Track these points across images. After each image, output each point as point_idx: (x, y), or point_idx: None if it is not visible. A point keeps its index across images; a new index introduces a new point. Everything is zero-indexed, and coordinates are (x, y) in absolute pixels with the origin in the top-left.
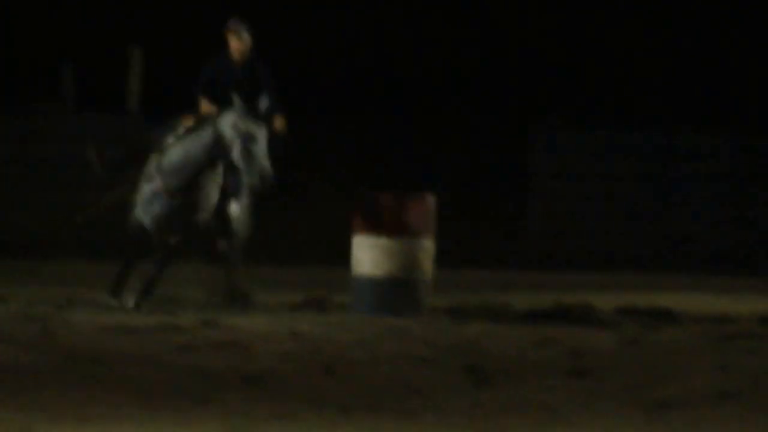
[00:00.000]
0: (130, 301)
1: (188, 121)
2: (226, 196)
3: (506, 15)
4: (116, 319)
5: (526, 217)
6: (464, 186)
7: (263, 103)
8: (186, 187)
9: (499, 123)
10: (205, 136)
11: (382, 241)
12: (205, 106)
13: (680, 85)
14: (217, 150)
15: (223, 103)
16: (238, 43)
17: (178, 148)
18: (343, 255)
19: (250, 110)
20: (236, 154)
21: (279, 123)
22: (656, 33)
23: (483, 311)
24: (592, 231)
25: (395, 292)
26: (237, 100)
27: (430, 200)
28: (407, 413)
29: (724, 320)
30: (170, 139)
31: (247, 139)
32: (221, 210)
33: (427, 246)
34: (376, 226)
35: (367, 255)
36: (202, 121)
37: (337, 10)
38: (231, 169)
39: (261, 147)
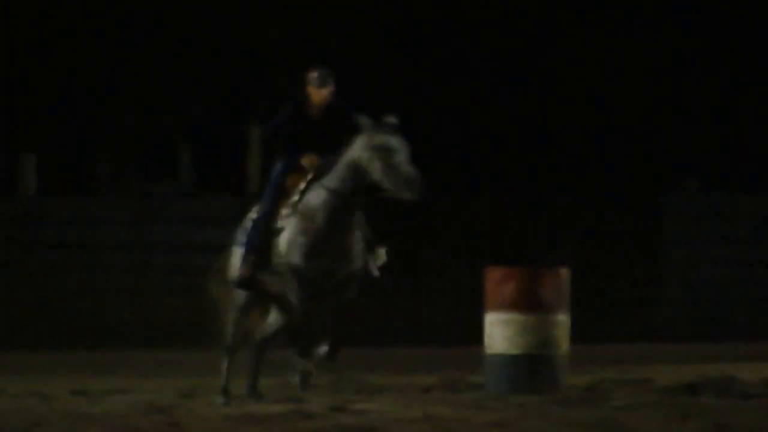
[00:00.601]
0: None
1: (301, 178)
2: None
3: (632, 85)
4: (241, 408)
5: (661, 285)
6: (595, 255)
7: (392, 119)
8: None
9: (629, 190)
10: (335, 175)
11: (516, 317)
12: (308, 159)
13: None
14: (358, 177)
15: (302, 145)
16: (320, 90)
17: (315, 194)
18: (475, 333)
19: (381, 122)
20: (377, 172)
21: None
22: None
23: (622, 386)
24: (730, 298)
25: (531, 369)
26: (363, 119)
27: (564, 274)
28: None
29: None
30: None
31: (386, 151)
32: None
33: (563, 320)
34: (509, 302)
35: (501, 332)
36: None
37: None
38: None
39: (401, 156)
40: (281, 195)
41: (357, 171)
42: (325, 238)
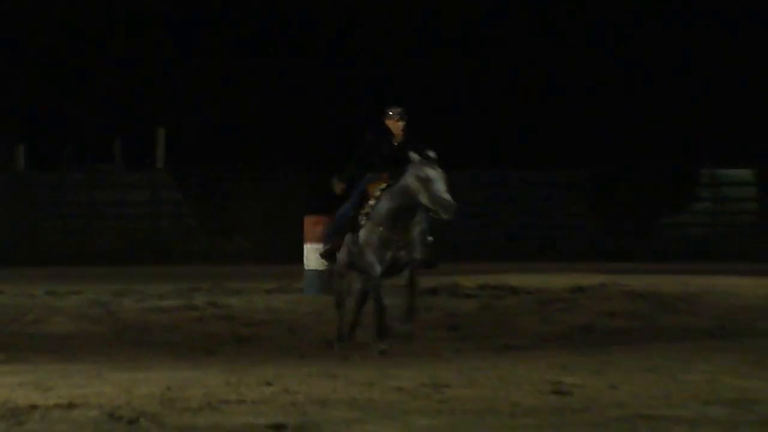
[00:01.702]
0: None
1: (376, 186)
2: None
3: None
4: (153, 304)
5: None
6: None
7: (432, 153)
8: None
9: None
10: (396, 193)
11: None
12: (384, 178)
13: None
14: (410, 198)
15: (379, 168)
16: (397, 123)
17: (383, 203)
18: (298, 256)
19: (427, 159)
20: (422, 197)
21: None
22: None
23: (395, 288)
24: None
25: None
26: (413, 155)
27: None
28: (342, 356)
29: (547, 291)
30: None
31: (428, 182)
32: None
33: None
34: (319, 237)
35: (314, 256)
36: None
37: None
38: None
39: (439, 184)
40: (363, 198)
41: (409, 193)
42: (389, 237)
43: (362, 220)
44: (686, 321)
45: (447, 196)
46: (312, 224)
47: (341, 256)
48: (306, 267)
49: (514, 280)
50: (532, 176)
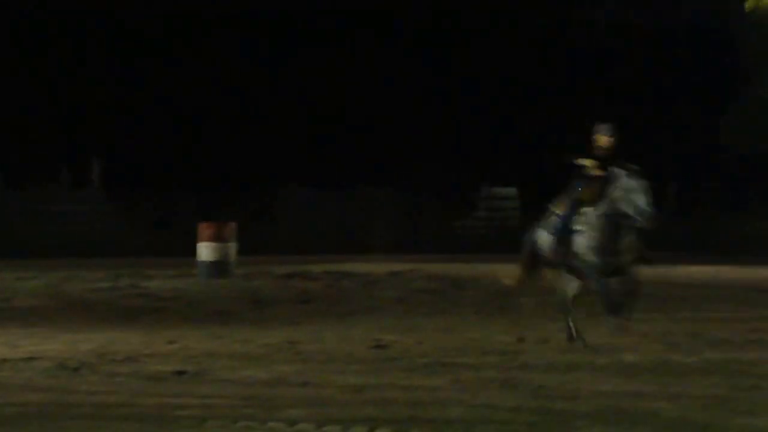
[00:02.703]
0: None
1: (587, 195)
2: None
3: None
4: (91, 285)
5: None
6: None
7: (635, 166)
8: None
9: None
10: (606, 202)
11: (212, 244)
12: (594, 188)
13: None
14: (617, 207)
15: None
16: (609, 138)
17: (595, 211)
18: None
19: (631, 171)
20: (625, 207)
21: None
22: None
23: (263, 274)
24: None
25: (219, 267)
26: (616, 169)
27: (232, 225)
28: (227, 320)
29: (371, 274)
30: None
31: (631, 192)
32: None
33: (233, 246)
34: (208, 237)
35: (204, 251)
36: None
37: None
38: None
39: (639, 194)
40: (578, 205)
41: (614, 203)
42: (604, 243)
43: (578, 227)
44: (471, 295)
45: (647, 207)
46: (204, 228)
47: (560, 261)
48: (198, 259)
49: (348, 267)
50: (360, 192)
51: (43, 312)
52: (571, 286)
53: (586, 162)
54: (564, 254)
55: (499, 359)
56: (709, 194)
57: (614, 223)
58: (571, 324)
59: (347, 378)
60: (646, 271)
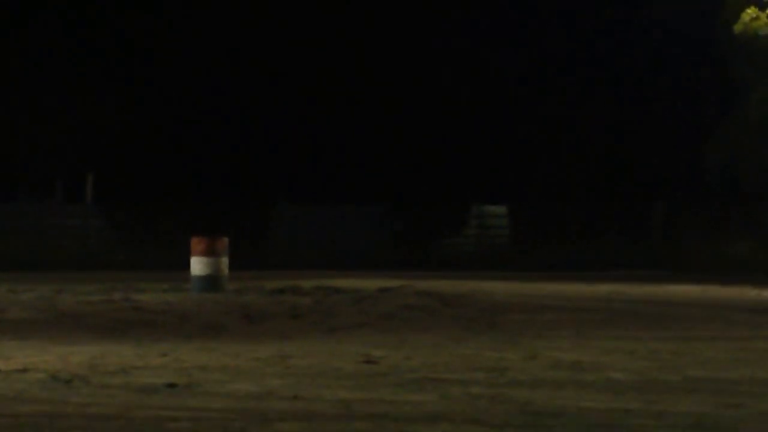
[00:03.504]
0: None
1: None
2: None
3: None
4: (83, 298)
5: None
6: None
7: None
8: None
9: None
10: None
11: (204, 259)
12: None
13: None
14: None
15: None
16: None
17: None
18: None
19: None
20: None
21: None
22: None
23: (255, 289)
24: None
25: (211, 282)
26: None
27: (225, 240)
28: (219, 333)
29: (361, 290)
30: None
31: None
32: None
33: (224, 260)
34: (201, 252)
35: (197, 265)
36: None
37: None
38: None
39: None
40: None
41: None
42: None
43: None
44: (459, 312)
45: None
46: (196, 243)
47: None
48: (192, 273)
49: (339, 283)
50: (352, 209)
51: (35, 324)
52: None
53: None
54: None
55: (487, 375)
56: (695, 214)
57: None
58: None
59: (337, 392)
60: (633, 290)
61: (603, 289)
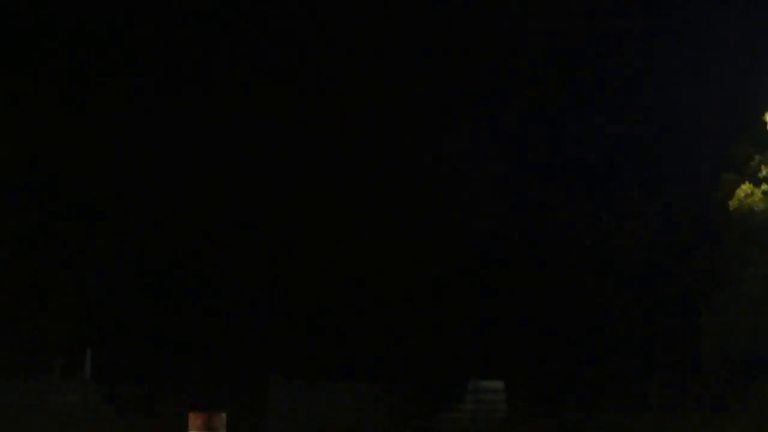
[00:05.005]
0: None
1: None
2: None
3: None
4: None
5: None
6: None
7: None
8: None
9: None
10: None
11: None
12: None
13: None
14: None
15: None
16: None
17: None
18: None
19: None
20: None
21: None
22: None
23: None
24: None
25: None
26: None
27: (222, 416)
28: None
29: None
30: None
31: None
32: None
33: None
34: (198, 426)
35: None
36: None
37: None
38: None
39: None
40: None
41: None
42: None
43: None
44: None
45: None
46: (194, 418)
47: None
48: None
49: None
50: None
51: None
52: None
53: None
54: None
55: None
56: (691, 392)
57: None
58: None
59: None
60: None
61: None
